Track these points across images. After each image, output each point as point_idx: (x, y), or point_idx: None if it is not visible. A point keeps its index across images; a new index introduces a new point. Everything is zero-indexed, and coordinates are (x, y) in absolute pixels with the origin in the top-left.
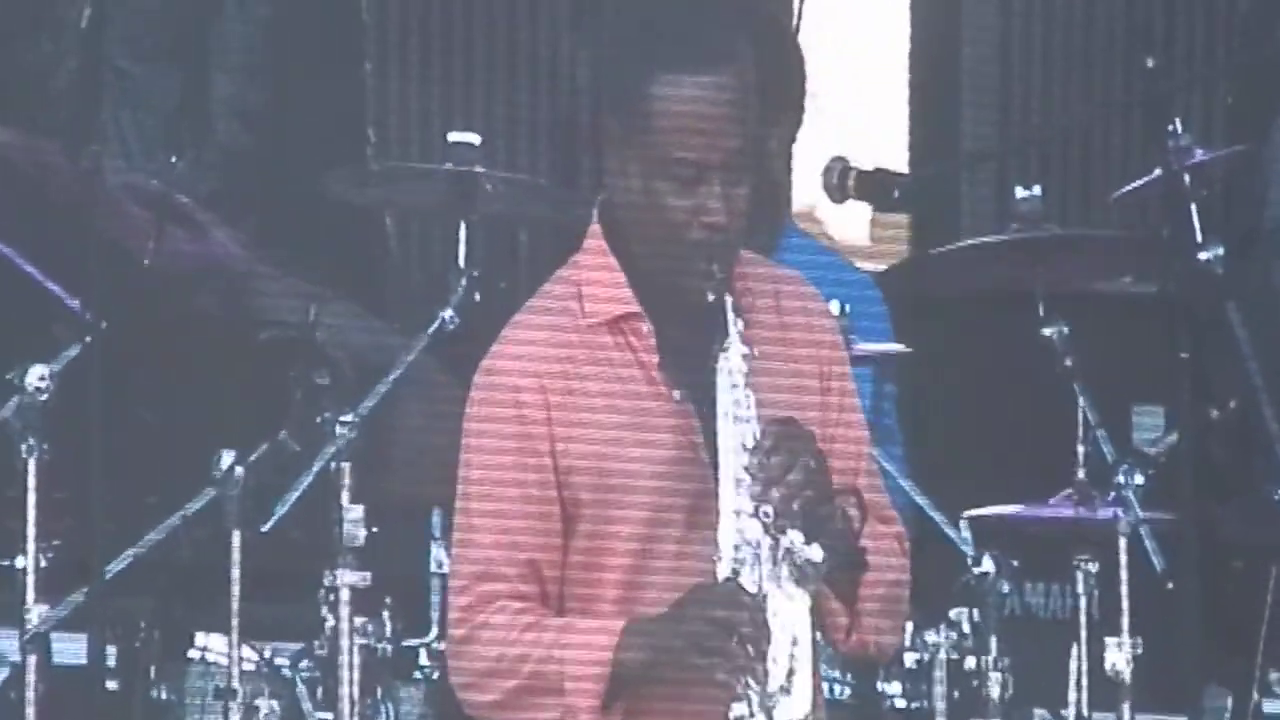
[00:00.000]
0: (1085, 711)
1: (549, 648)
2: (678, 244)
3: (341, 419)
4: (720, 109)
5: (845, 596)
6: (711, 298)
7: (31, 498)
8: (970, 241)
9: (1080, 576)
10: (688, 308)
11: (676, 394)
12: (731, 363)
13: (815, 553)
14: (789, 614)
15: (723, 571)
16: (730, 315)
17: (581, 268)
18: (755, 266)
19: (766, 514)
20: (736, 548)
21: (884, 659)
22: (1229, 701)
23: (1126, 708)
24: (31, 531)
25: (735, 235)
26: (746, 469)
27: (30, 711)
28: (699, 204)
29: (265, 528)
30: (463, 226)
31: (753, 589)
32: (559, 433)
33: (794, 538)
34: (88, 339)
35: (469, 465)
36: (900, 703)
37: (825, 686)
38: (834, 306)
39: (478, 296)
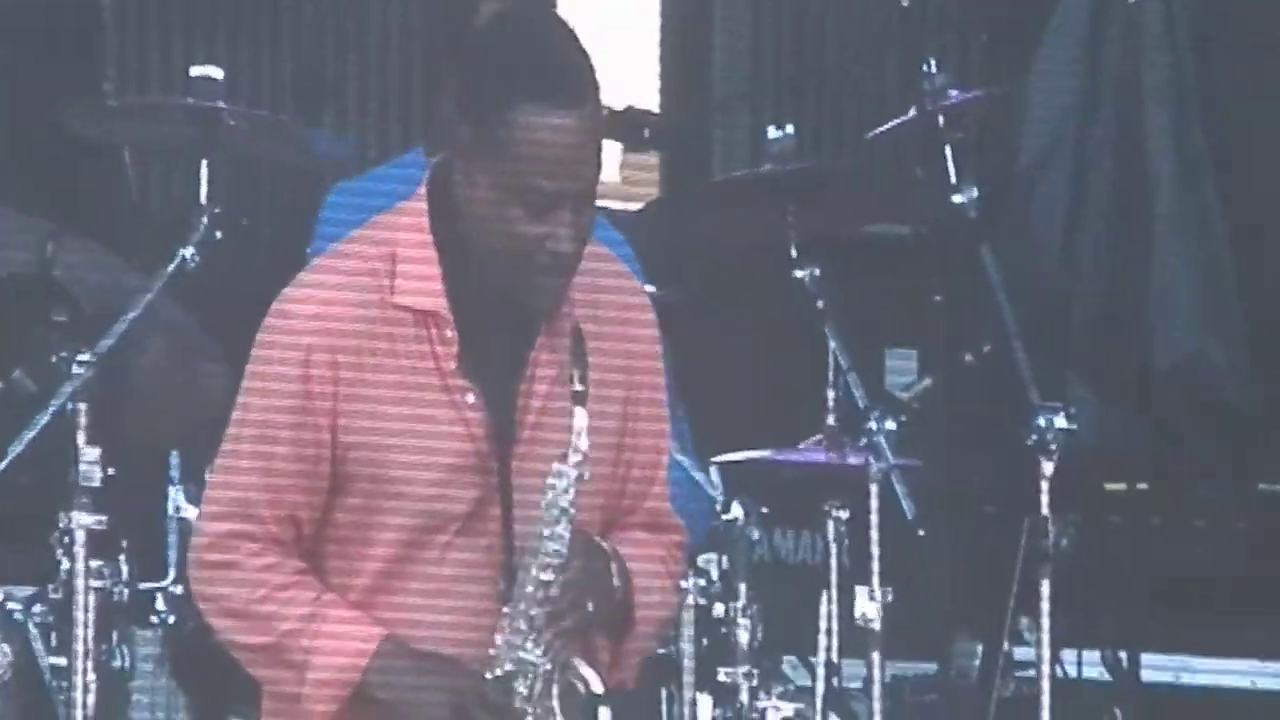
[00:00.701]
0: (835, 659)
1: (301, 622)
2: (520, 263)
3: (79, 358)
4: (580, 145)
5: (612, 635)
6: (544, 306)
7: None
8: (721, 178)
9: (830, 524)
10: (506, 308)
11: (470, 397)
12: (569, 477)
13: (593, 679)
14: None
15: (499, 663)
16: (580, 424)
17: (399, 237)
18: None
19: (554, 645)
20: (516, 650)
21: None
22: (979, 650)
23: (876, 656)
24: None
25: (578, 259)
26: (544, 585)
27: None
28: (550, 231)
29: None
30: (204, 164)
31: (520, 695)
32: (342, 407)
33: (576, 663)
34: None
35: (247, 404)
36: None
37: None
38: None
39: (219, 234)
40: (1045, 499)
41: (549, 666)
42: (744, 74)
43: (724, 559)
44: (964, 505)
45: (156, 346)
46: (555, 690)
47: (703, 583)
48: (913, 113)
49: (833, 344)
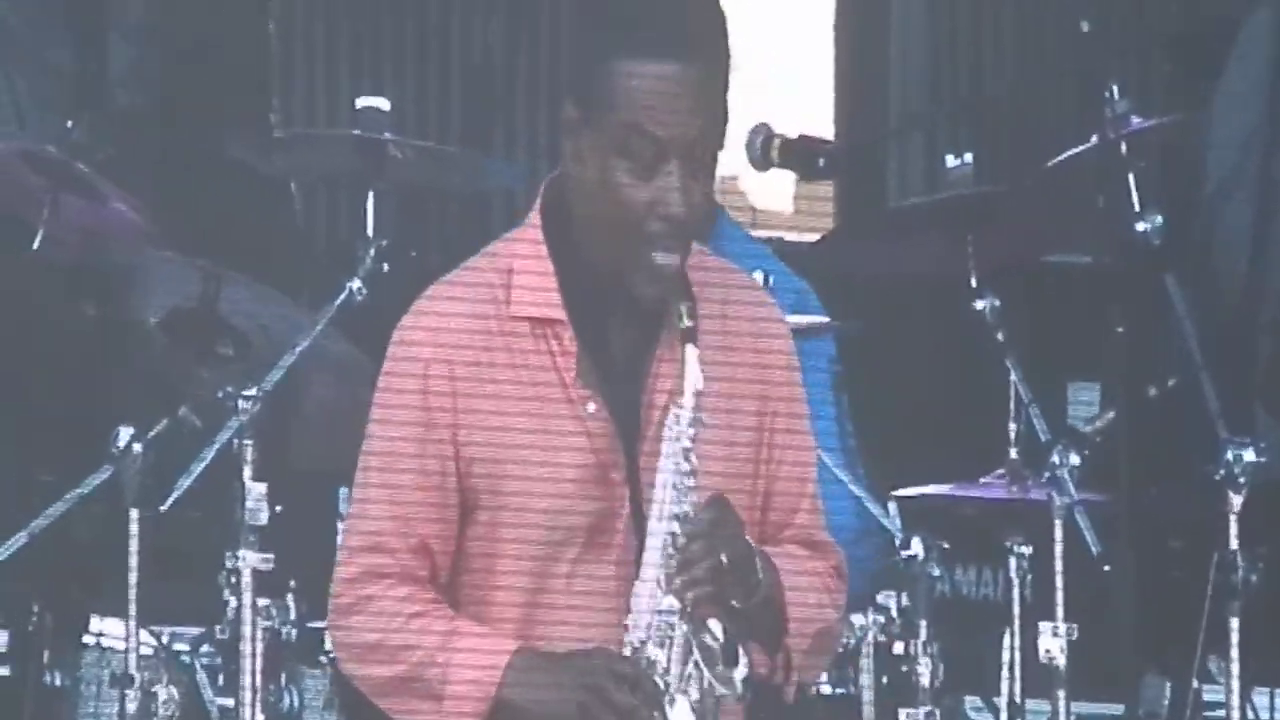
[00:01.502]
0: (1018, 699)
1: (434, 648)
2: (633, 235)
3: (245, 393)
4: (684, 94)
5: (767, 646)
6: (661, 295)
7: None
8: (898, 207)
9: (1013, 559)
10: (626, 307)
11: (591, 406)
12: (682, 424)
13: (735, 681)
14: (688, 710)
15: (632, 637)
16: (691, 370)
17: (515, 252)
18: (706, 261)
19: (677, 589)
20: (652, 615)
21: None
22: (1167, 689)
23: (1061, 695)
24: None
25: (693, 229)
26: (674, 535)
27: None
28: (657, 194)
29: (164, 506)
30: (370, 195)
31: (658, 666)
32: (463, 420)
33: (714, 630)
34: None
35: (371, 434)
36: (826, 689)
37: None
38: (757, 278)
39: (386, 267)
40: (1234, 534)
41: (685, 628)
42: (921, 100)
43: (904, 596)
44: (1150, 540)
45: (323, 381)
46: (694, 658)
47: (882, 620)
48: (1094, 140)
49: (1014, 376)
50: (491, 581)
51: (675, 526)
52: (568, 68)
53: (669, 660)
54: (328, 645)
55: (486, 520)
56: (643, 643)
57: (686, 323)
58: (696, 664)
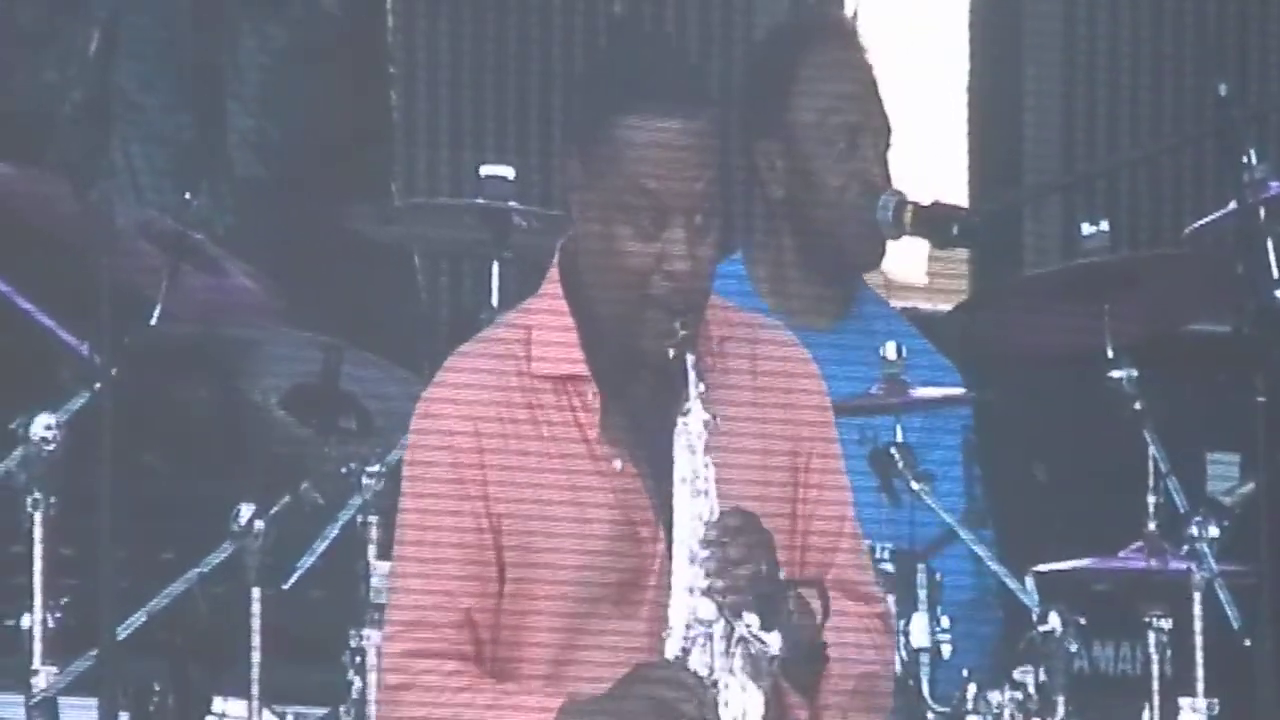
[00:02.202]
0: None
1: (481, 713)
2: (638, 295)
3: (368, 469)
4: (685, 150)
5: (805, 690)
6: (672, 354)
7: (38, 553)
8: (1034, 275)
9: (1152, 634)
10: (644, 366)
11: (617, 463)
12: (691, 428)
13: (773, 641)
14: (741, 705)
15: (671, 649)
16: (691, 376)
17: (534, 313)
18: (731, 316)
19: (720, 594)
20: (688, 626)
21: None
22: None
23: None
24: (38, 589)
25: (701, 288)
26: (702, 543)
27: None
28: (662, 251)
29: (287, 585)
30: (495, 265)
31: (703, 671)
32: (493, 483)
33: (750, 621)
34: (97, 386)
35: (404, 508)
36: None
37: None
38: (890, 350)
39: None
40: None
41: (724, 626)
42: (1056, 165)
43: (1041, 671)
44: None
45: None
46: (735, 660)
47: (1020, 696)
48: (1232, 205)
49: (1152, 447)
50: (524, 640)
51: (699, 530)
52: (571, 123)
53: (712, 661)
54: None
55: (517, 579)
56: (685, 651)
57: (682, 331)
58: (742, 638)
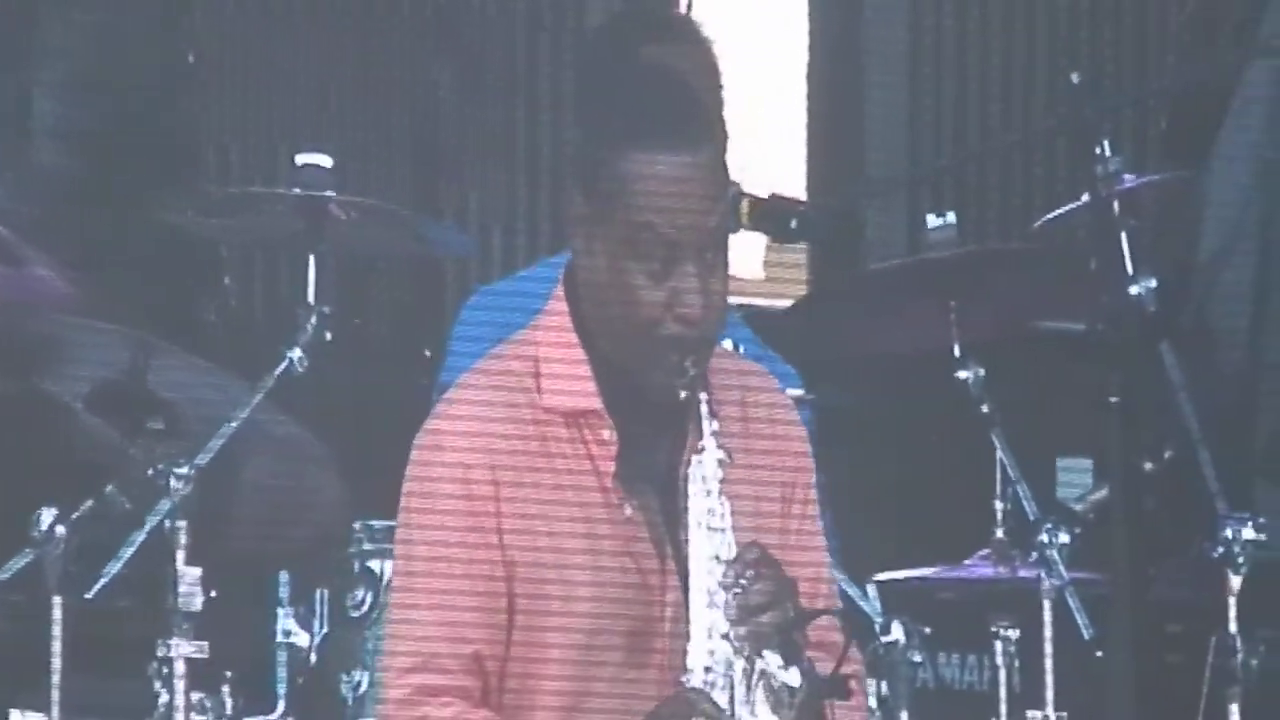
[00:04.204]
0: None
1: None
2: (649, 337)
3: (176, 471)
4: (698, 187)
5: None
6: (684, 395)
7: None
8: (876, 270)
9: (999, 644)
10: (654, 406)
11: (629, 510)
12: (706, 468)
13: (793, 677)
14: None
15: (692, 683)
16: (705, 414)
17: (541, 341)
18: (722, 362)
19: (740, 635)
20: (707, 669)
21: None
22: None
23: None
24: None
25: (713, 323)
26: (721, 584)
27: None
28: (673, 295)
29: (90, 593)
30: (312, 258)
31: (725, 709)
32: (506, 520)
33: (770, 660)
34: None
35: (411, 541)
36: None
37: None
38: (726, 347)
39: (329, 335)
40: (1233, 616)
41: (744, 665)
42: (900, 157)
43: (884, 684)
44: (1145, 623)
45: (262, 458)
46: (756, 697)
47: None
48: (1085, 198)
49: (1000, 451)
50: (533, 688)
51: (717, 571)
52: (573, 159)
53: (732, 700)
54: None
55: (527, 624)
56: (709, 685)
57: (693, 371)
58: (763, 674)
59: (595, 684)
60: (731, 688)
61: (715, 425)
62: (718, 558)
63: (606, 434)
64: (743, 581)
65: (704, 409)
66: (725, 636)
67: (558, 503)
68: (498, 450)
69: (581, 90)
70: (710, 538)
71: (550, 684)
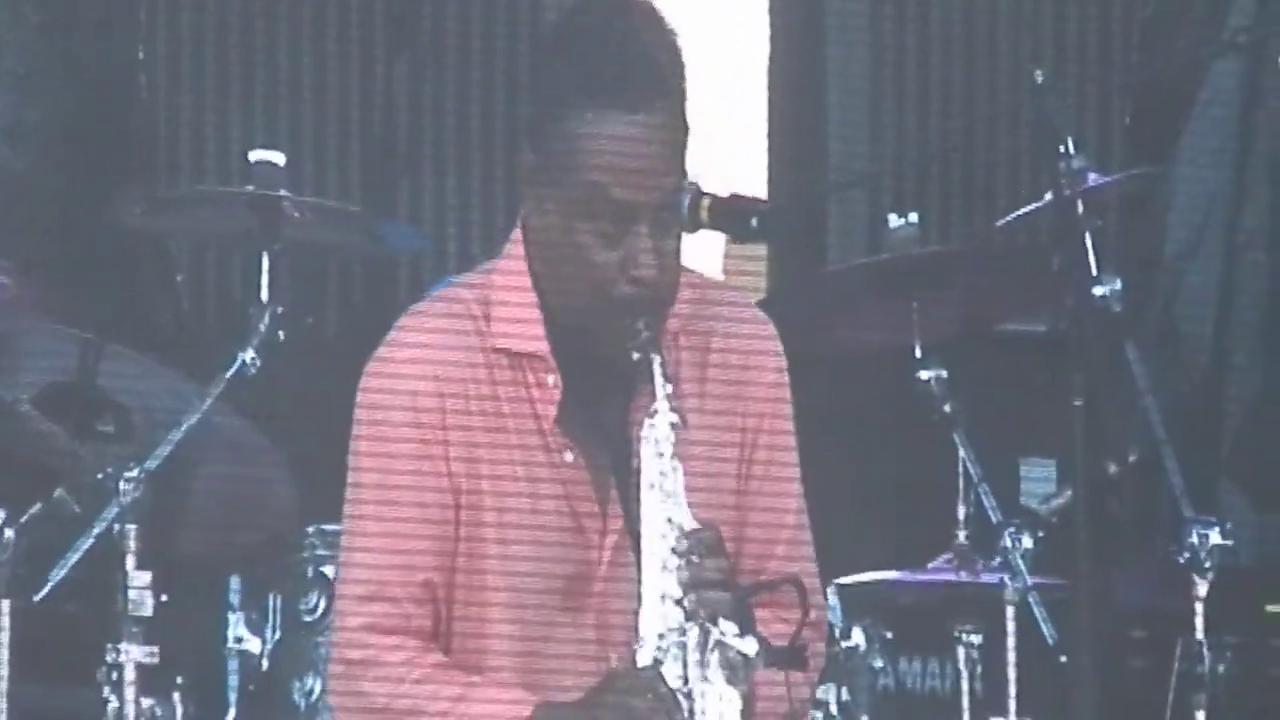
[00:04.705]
0: None
1: (447, 710)
2: (601, 298)
3: (127, 474)
4: (652, 148)
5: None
6: (636, 357)
7: None
8: (836, 270)
9: (962, 649)
10: (605, 361)
11: (568, 456)
12: (659, 430)
13: (749, 646)
14: (718, 711)
15: (644, 658)
16: (658, 377)
17: (494, 284)
18: (694, 294)
19: (693, 602)
20: (661, 635)
21: None
22: None
23: None
24: None
25: (667, 286)
26: (674, 551)
27: None
28: (627, 255)
29: (38, 597)
30: (265, 257)
31: (676, 681)
32: (453, 450)
33: (726, 628)
34: None
35: (359, 467)
36: None
37: None
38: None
39: (282, 335)
40: (1199, 621)
41: (698, 633)
42: (861, 155)
43: (844, 690)
44: (1110, 628)
45: (213, 460)
46: (711, 666)
47: (820, 716)
48: (1048, 198)
49: (962, 453)
50: (479, 628)
51: (670, 536)
52: (526, 115)
53: (685, 671)
54: None
55: (466, 553)
56: (658, 661)
57: (645, 333)
58: (719, 643)
59: (537, 628)
60: (685, 655)
61: (669, 388)
62: (670, 520)
63: (551, 379)
64: (691, 559)
65: (657, 371)
66: (679, 602)
67: (499, 441)
68: (446, 379)
69: (536, 48)
70: (663, 501)
71: (494, 626)
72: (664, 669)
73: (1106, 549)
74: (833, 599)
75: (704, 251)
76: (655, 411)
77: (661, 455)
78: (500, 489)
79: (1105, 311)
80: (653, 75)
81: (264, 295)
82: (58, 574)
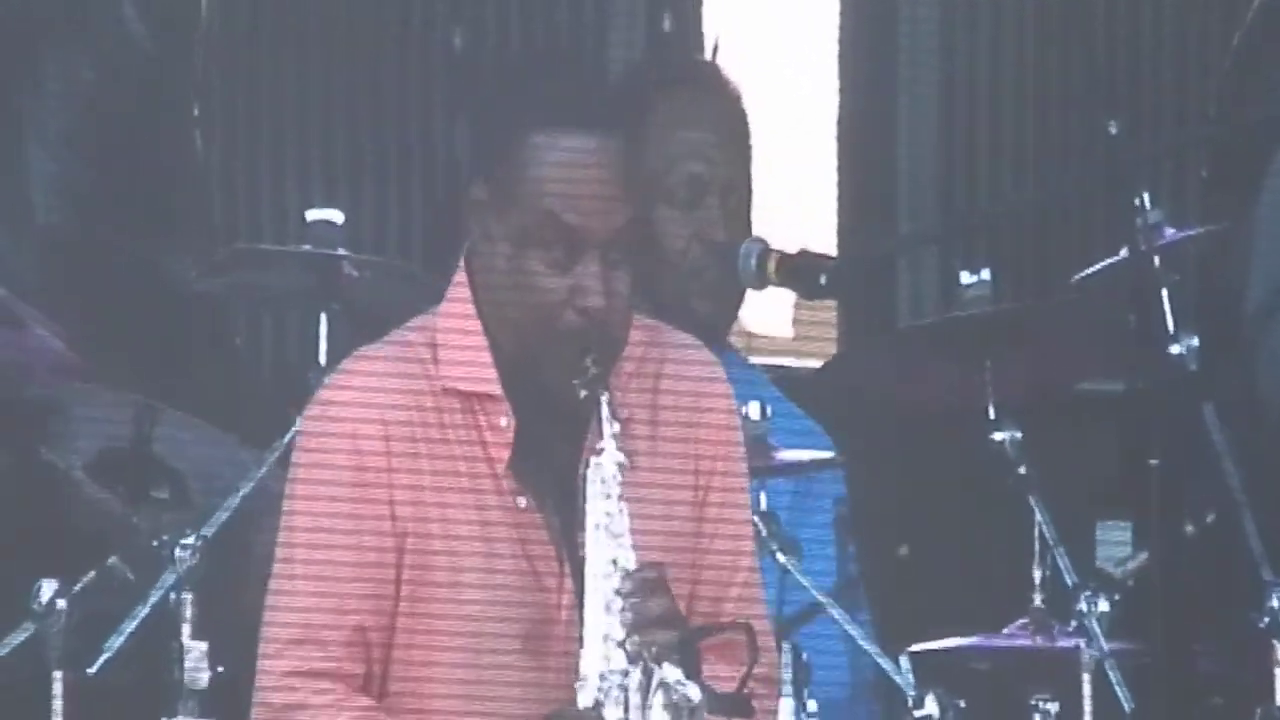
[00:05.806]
0: None
1: None
2: (548, 329)
3: (182, 542)
4: (604, 173)
5: None
6: (584, 395)
7: None
8: (908, 328)
9: (1037, 716)
10: (553, 400)
11: (521, 501)
12: (605, 470)
13: (693, 691)
14: None
15: (585, 700)
16: (605, 416)
17: (439, 325)
18: (644, 336)
19: (636, 644)
20: (602, 676)
21: None
22: None
23: None
24: None
25: (616, 323)
26: (618, 592)
27: None
28: (576, 285)
29: (93, 669)
30: (323, 317)
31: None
32: (398, 494)
33: (670, 673)
34: None
35: (294, 511)
36: None
37: None
38: (754, 409)
39: None
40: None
41: (641, 675)
42: (932, 211)
43: None
44: (1188, 695)
45: (270, 527)
46: (653, 710)
47: None
48: (1124, 253)
49: (1038, 515)
50: (422, 676)
51: (615, 578)
52: (472, 146)
53: (626, 714)
54: None
55: (411, 598)
56: (599, 703)
57: (594, 370)
58: (662, 685)
59: (489, 680)
60: (627, 698)
61: (616, 428)
62: (615, 562)
63: (503, 421)
64: (634, 600)
65: (604, 409)
66: (621, 644)
67: (450, 485)
68: (392, 421)
69: (488, 77)
70: (609, 542)
71: (441, 674)
72: (605, 711)
73: (1184, 613)
74: (906, 667)
75: (773, 310)
76: (601, 450)
77: (609, 496)
78: (451, 533)
79: (1182, 370)
80: (605, 101)
81: (322, 358)
82: (112, 644)
